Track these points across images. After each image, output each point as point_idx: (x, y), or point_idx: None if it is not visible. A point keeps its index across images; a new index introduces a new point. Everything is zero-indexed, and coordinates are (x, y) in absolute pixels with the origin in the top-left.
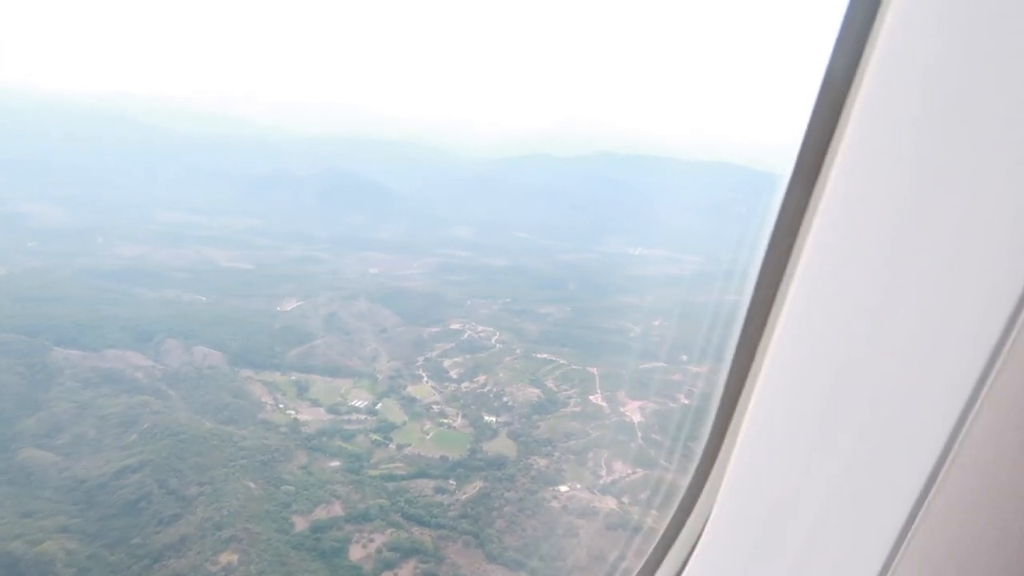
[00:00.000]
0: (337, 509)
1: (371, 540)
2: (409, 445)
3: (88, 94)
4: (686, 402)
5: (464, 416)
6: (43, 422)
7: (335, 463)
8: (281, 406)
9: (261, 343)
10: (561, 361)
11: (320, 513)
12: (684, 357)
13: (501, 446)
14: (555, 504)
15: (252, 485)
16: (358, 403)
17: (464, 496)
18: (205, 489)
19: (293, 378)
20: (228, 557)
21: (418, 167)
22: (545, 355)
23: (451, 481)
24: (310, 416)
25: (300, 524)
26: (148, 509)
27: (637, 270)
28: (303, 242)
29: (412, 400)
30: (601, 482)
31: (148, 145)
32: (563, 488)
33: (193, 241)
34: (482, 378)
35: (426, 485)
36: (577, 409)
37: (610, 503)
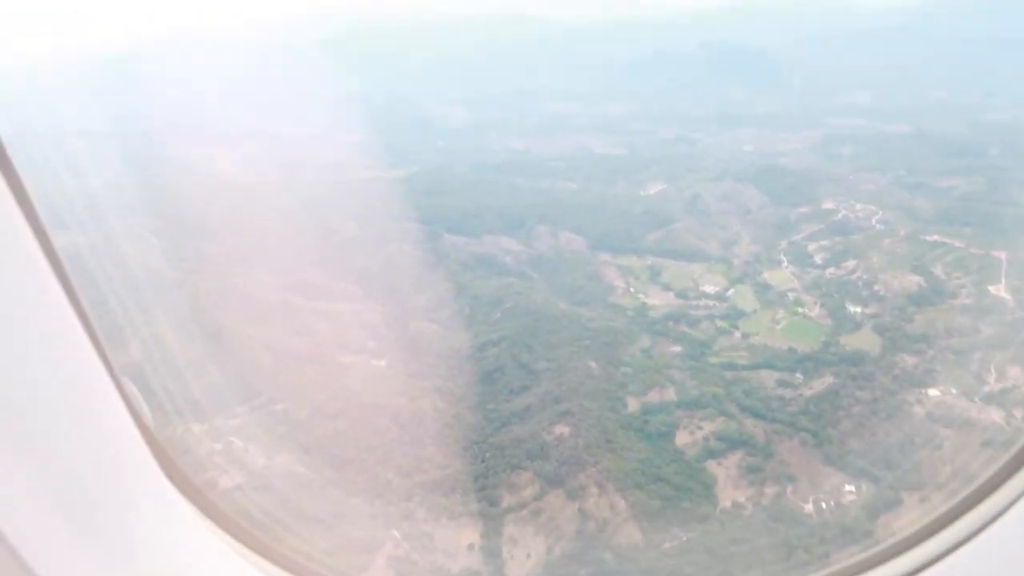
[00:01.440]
0: (670, 394)
1: (699, 427)
2: (756, 334)
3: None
4: None
5: (823, 305)
6: (430, 299)
7: (676, 348)
8: (632, 290)
9: (621, 227)
10: (957, 244)
11: (653, 396)
12: None
13: (862, 340)
14: (918, 409)
15: (593, 364)
16: (709, 288)
17: (809, 392)
18: (551, 365)
19: (648, 262)
20: (561, 429)
21: (811, 27)
22: (937, 237)
23: (797, 375)
24: (659, 301)
25: (632, 405)
26: (501, 379)
27: None
28: (677, 123)
29: (767, 287)
30: (987, 389)
31: (540, 40)
32: (933, 392)
33: (572, 130)
34: (851, 263)
35: (768, 377)
36: (968, 301)
37: (994, 415)
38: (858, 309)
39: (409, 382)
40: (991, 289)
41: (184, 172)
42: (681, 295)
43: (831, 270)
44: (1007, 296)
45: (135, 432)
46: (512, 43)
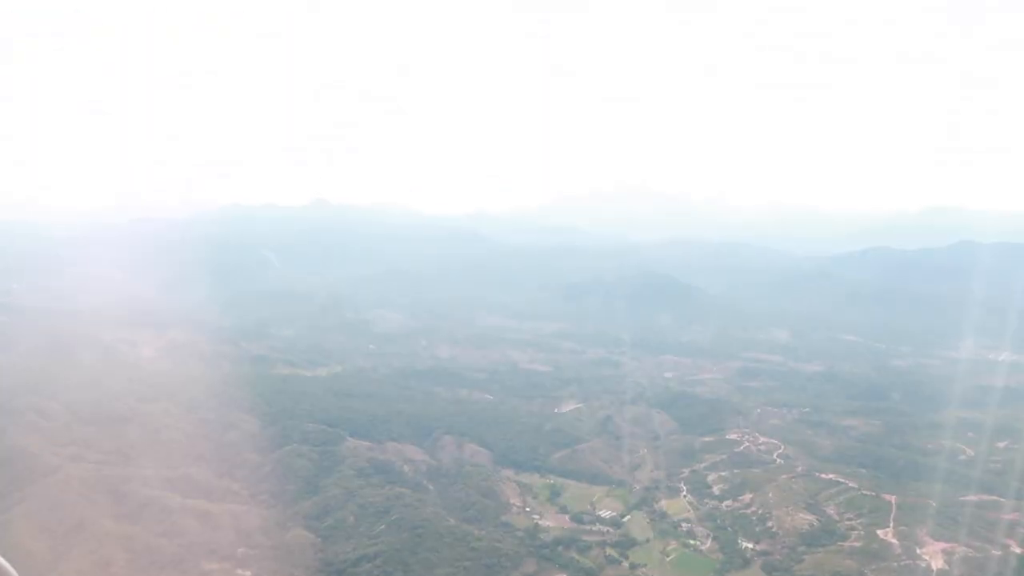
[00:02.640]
0: None
1: None
2: (644, 565)
3: (449, 215)
4: (1020, 551)
5: (715, 539)
6: (316, 505)
7: None
8: (527, 509)
9: (528, 443)
10: (851, 484)
11: None
12: None
13: None
14: None
15: None
16: (605, 513)
17: None
18: None
19: (550, 481)
20: None
21: (742, 267)
22: (832, 475)
23: None
24: (553, 522)
25: None
26: None
27: (993, 380)
28: (605, 345)
29: (663, 515)
30: None
31: (490, 257)
32: None
33: (502, 343)
34: (748, 496)
35: None
36: (858, 544)
37: None
38: (750, 545)
39: None
40: (879, 533)
41: (102, 355)
42: (576, 518)
43: (728, 502)
44: (894, 541)
45: None
46: (464, 258)
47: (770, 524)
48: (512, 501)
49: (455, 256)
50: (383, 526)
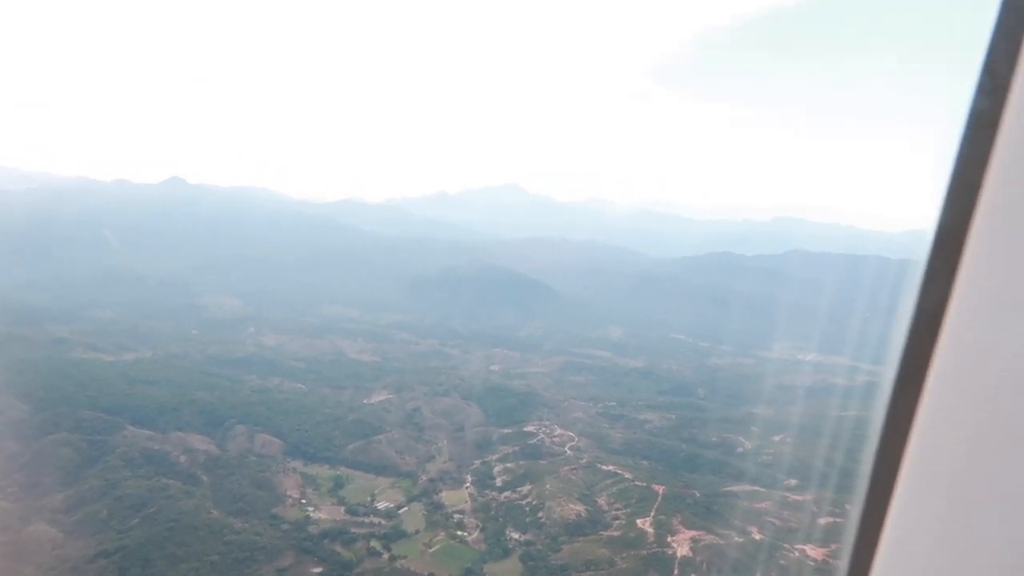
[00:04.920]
0: None
1: None
2: (404, 557)
3: (319, 202)
4: (758, 538)
5: (484, 530)
6: (69, 498)
7: (316, 569)
8: (303, 501)
9: (325, 434)
10: (627, 475)
11: None
12: (791, 481)
13: (506, 569)
14: None
15: None
16: (382, 505)
17: None
18: None
19: (338, 472)
20: None
21: (597, 268)
22: (613, 467)
23: None
24: (326, 515)
25: None
26: None
27: (795, 379)
28: (440, 337)
29: (439, 507)
30: None
31: (350, 247)
32: None
33: (333, 333)
34: (527, 488)
35: None
36: (616, 533)
37: None
38: (516, 536)
39: None
40: (639, 522)
41: None
42: (352, 510)
43: (507, 494)
44: (650, 530)
45: None
46: (324, 246)
47: (540, 515)
48: (289, 493)
49: (315, 244)
50: (137, 519)
